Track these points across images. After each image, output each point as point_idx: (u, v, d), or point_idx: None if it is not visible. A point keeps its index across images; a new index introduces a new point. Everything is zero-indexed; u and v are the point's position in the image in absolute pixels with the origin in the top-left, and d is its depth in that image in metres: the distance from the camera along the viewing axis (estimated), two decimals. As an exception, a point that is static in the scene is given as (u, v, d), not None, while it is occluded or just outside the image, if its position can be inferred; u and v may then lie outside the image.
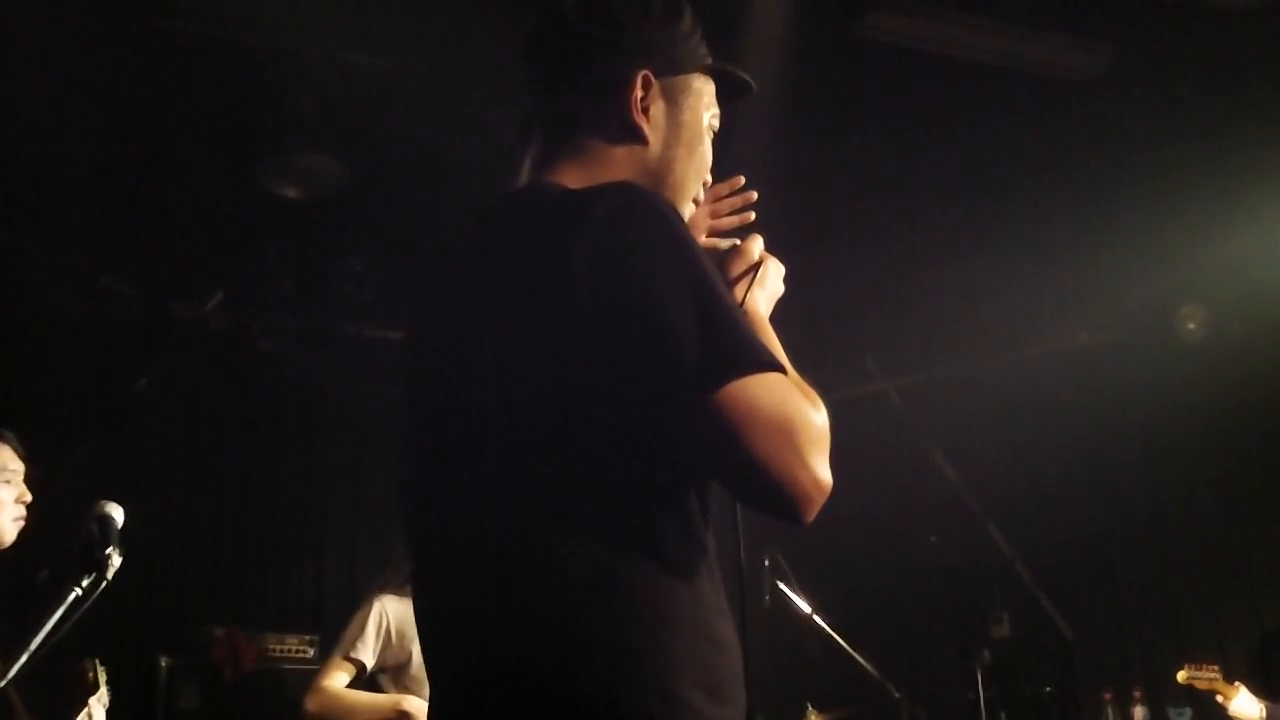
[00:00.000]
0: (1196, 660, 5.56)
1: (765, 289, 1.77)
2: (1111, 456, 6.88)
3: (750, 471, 1.42)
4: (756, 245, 1.81)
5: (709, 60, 1.78)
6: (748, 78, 1.81)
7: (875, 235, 6.55)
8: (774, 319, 1.75)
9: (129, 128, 5.52)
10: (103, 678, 3.86)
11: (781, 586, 4.58)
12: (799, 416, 1.43)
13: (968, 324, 6.93)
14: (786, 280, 1.82)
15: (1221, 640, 6.32)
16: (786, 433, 1.42)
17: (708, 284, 1.47)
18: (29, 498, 3.27)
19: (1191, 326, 6.46)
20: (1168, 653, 6.37)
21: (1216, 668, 5.45)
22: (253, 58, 5.16)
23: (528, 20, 1.79)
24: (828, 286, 6.76)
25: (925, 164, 5.98)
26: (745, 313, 1.57)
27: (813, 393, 1.50)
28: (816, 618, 4.55)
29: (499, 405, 1.53)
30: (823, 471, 1.43)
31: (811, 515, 1.44)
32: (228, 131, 5.67)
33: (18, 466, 3.27)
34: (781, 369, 1.47)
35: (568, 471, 1.47)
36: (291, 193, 6.04)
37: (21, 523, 3.24)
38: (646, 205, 1.51)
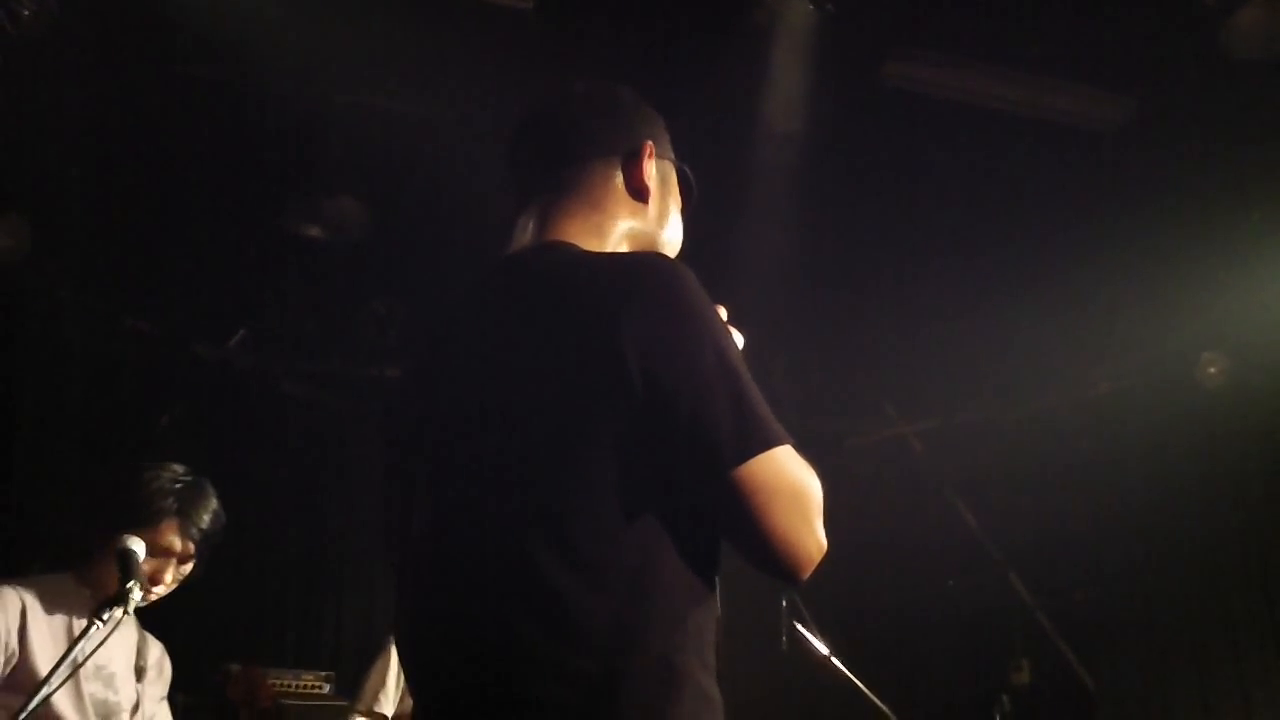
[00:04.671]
0: (1219, 706, 5.50)
1: None
2: (1133, 504, 6.83)
3: (766, 540, 1.54)
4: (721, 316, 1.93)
5: (674, 158, 2.01)
6: (692, 184, 2.01)
7: (896, 280, 6.56)
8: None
9: (155, 169, 5.58)
10: None
11: (799, 628, 4.54)
12: (808, 488, 1.57)
13: (988, 370, 6.92)
14: (745, 351, 1.93)
15: (1245, 687, 6.26)
16: (800, 503, 1.55)
17: (736, 363, 1.59)
18: (164, 584, 3.29)
19: (1213, 372, 6.43)
20: (1190, 700, 6.30)
21: None
22: (280, 103, 5.22)
23: (547, 76, 1.85)
24: (849, 331, 6.77)
25: (947, 211, 6.00)
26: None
27: (804, 460, 1.61)
28: (835, 660, 4.50)
29: (519, 457, 1.57)
30: (823, 536, 1.57)
31: (808, 575, 1.56)
32: (254, 174, 5.72)
33: (178, 549, 3.29)
34: (790, 440, 1.57)
35: (588, 527, 1.51)
36: (316, 235, 6.10)
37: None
38: (686, 283, 1.61)
